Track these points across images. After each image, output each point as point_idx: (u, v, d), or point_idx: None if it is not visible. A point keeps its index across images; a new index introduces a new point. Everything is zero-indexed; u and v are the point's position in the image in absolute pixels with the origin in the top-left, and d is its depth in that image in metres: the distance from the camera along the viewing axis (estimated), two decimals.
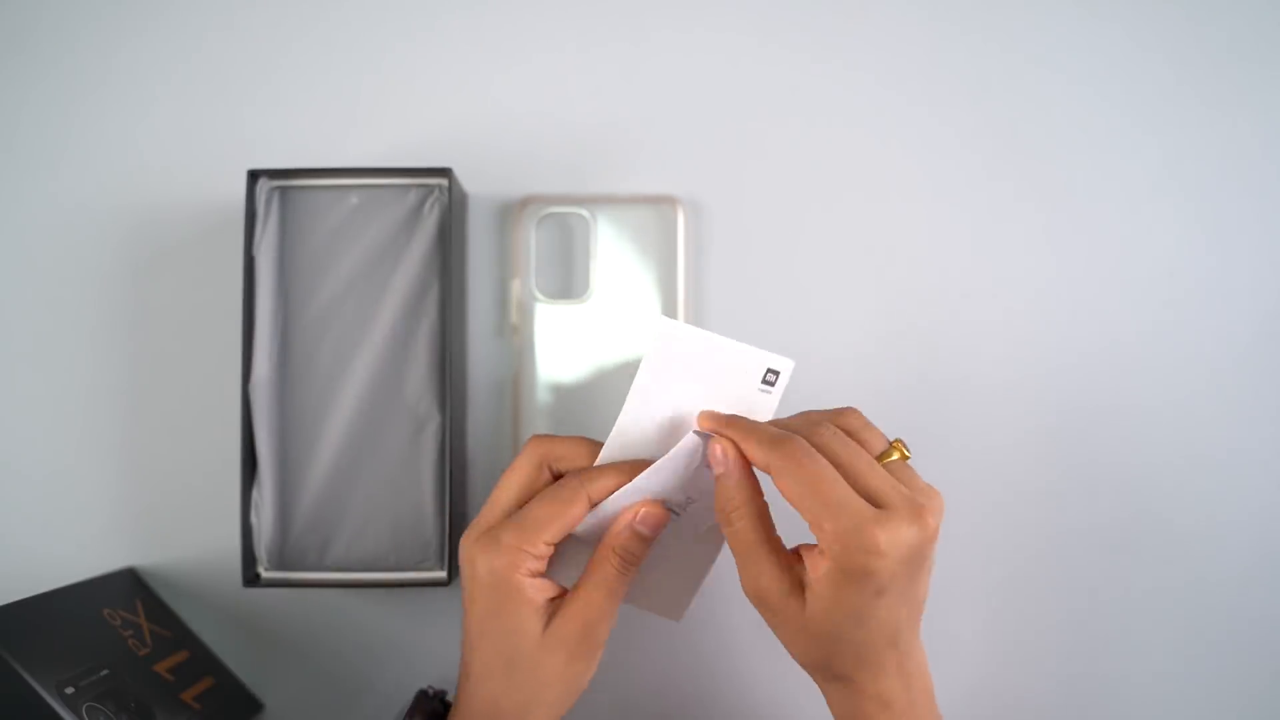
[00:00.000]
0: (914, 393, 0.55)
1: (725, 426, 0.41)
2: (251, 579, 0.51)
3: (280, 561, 0.52)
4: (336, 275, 0.52)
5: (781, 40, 0.57)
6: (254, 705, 0.55)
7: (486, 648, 0.42)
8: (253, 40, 0.56)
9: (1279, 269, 0.56)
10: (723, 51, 0.57)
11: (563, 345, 0.55)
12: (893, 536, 0.37)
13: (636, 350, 0.55)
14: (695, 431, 0.42)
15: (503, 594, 0.41)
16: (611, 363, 0.55)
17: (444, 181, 0.52)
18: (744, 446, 0.40)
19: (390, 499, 0.52)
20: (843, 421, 0.41)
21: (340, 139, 0.56)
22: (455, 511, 0.51)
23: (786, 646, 0.41)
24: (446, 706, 0.47)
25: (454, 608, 0.55)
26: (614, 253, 0.55)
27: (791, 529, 0.41)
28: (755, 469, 0.41)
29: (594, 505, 0.42)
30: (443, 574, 0.51)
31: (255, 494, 0.51)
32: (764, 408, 0.43)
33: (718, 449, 0.41)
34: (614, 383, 0.54)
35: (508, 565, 0.41)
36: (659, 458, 0.42)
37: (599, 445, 0.43)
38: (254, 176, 0.51)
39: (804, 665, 0.42)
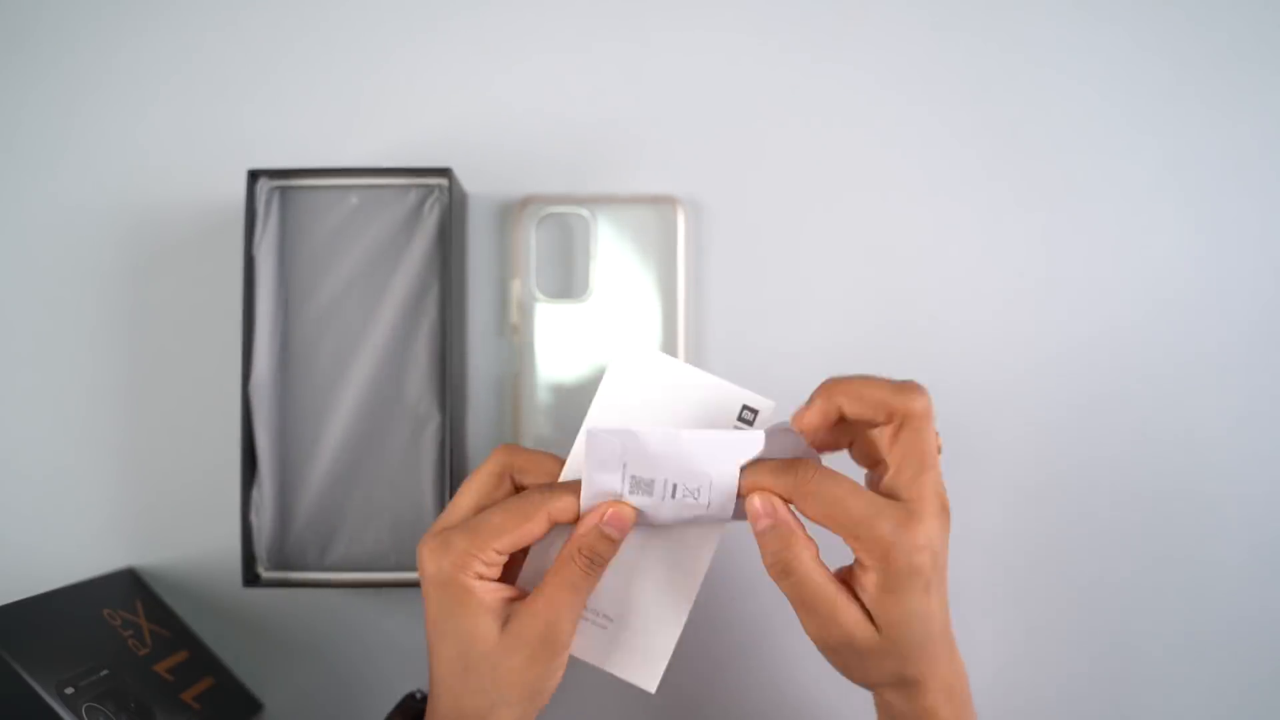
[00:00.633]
0: None
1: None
2: (251, 579, 0.51)
3: (280, 561, 0.52)
4: (336, 275, 0.52)
5: (781, 40, 0.57)
6: (254, 705, 0.55)
7: (444, 649, 0.41)
8: (253, 40, 0.56)
9: (1279, 269, 0.56)
10: (723, 51, 0.57)
11: (563, 345, 0.55)
12: (926, 529, 0.38)
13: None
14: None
15: (453, 595, 0.40)
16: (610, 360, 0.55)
17: (444, 181, 0.52)
18: (758, 481, 0.40)
19: (390, 499, 0.52)
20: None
21: (340, 139, 0.56)
22: None
23: (862, 675, 0.41)
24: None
25: None
26: (614, 253, 0.55)
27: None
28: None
29: (554, 524, 0.41)
30: None
31: (255, 494, 0.51)
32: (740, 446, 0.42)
33: (758, 502, 0.40)
34: None
35: (455, 566, 0.40)
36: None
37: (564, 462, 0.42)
38: (254, 176, 0.51)
39: (875, 684, 0.41)
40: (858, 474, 0.41)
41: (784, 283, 0.56)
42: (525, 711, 0.41)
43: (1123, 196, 0.56)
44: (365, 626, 0.55)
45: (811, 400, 0.41)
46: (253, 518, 0.51)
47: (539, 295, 0.55)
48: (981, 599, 0.56)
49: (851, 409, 0.40)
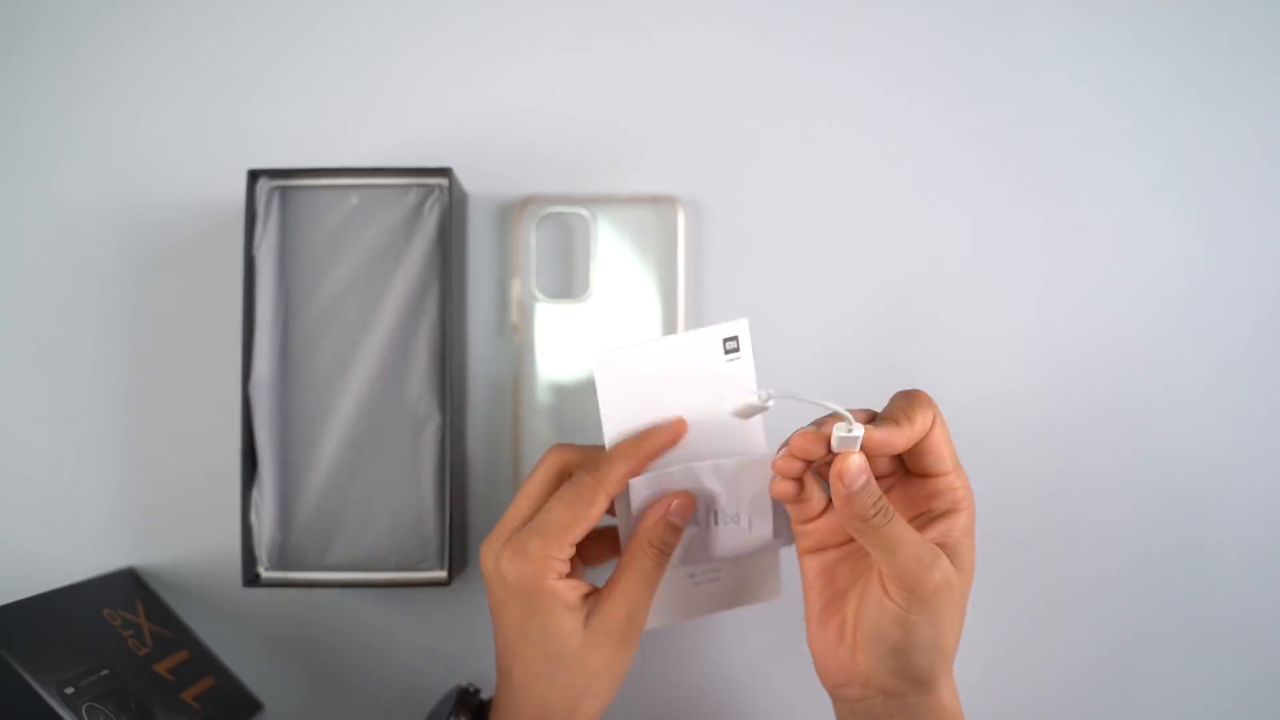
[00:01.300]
0: None
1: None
2: (251, 579, 0.51)
3: (280, 561, 0.52)
4: (336, 275, 0.52)
5: (781, 40, 0.57)
6: (254, 705, 0.55)
7: (529, 652, 0.42)
8: (253, 40, 0.56)
9: (1279, 269, 0.56)
10: (723, 51, 0.57)
11: (563, 345, 0.55)
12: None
13: None
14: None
15: (537, 600, 0.42)
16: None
17: (444, 181, 0.52)
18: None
19: (390, 499, 0.52)
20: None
21: (340, 139, 0.56)
22: (455, 511, 0.51)
23: (935, 648, 0.40)
24: (484, 704, 0.47)
25: (454, 608, 0.55)
26: (614, 253, 0.55)
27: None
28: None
29: (612, 500, 0.43)
30: (443, 574, 0.51)
31: (255, 494, 0.51)
32: (741, 376, 0.43)
33: (860, 464, 0.39)
34: None
35: (538, 572, 0.41)
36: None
37: None
38: (254, 176, 0.51)
39: (913, 668, 0.40)
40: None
41: (784, 282, 0.56)
42: (606, 700, 0.43)
43: (1123, 196, 0.56)
44: (365, 626, 0.55)
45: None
46: (253, 518, 0.51)
47: (539, 295, 0.55)
48: (981, 598, 0.56)
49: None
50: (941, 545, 0.40)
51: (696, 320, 0.55)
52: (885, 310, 0.56)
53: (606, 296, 0.55)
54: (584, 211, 0.55)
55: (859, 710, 0.42)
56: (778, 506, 0.45)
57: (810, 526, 0.43)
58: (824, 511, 0.43)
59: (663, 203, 0.55)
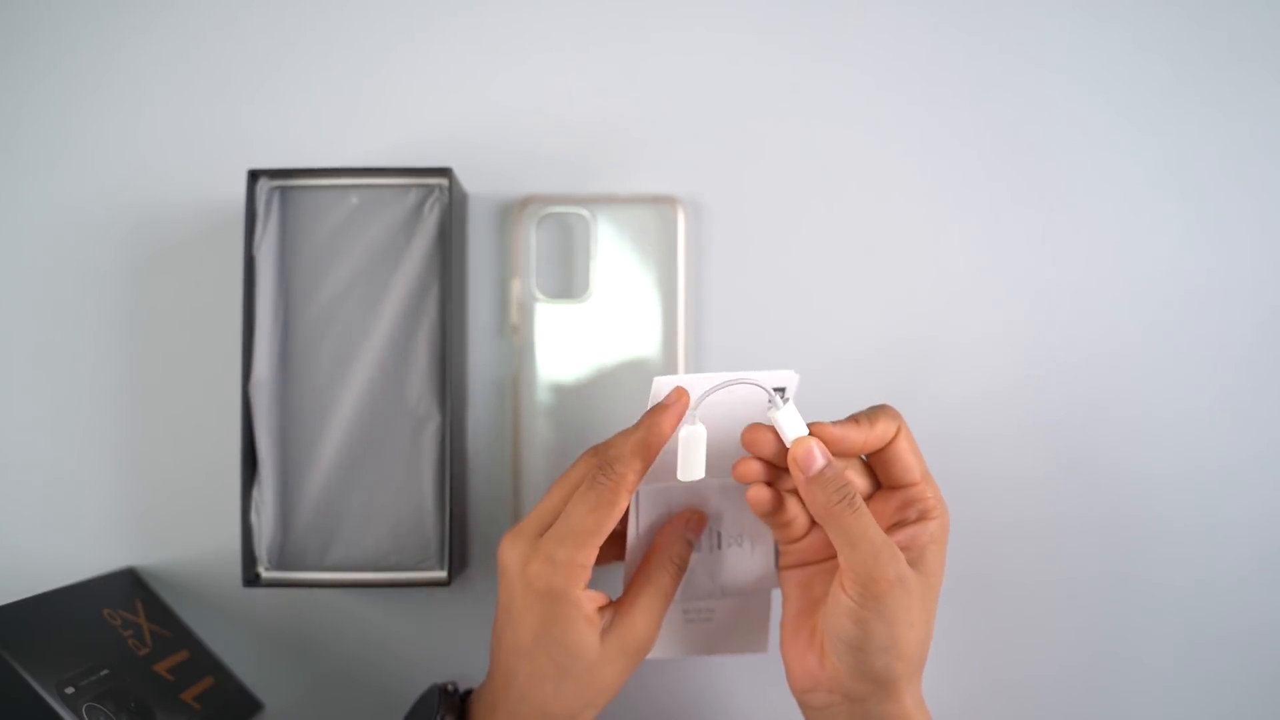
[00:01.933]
0: (914, 392, 0.55)
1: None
2: (251, 579, 0.51)
3: (280, 561, 0.52)
4: (336, 275, 0.52)
5: (781, 40, 0.57)
6: (254, 705, 0.55)
7: (540, 658, 0.42)
8: (253, 40, 0.56)
9: (1279, 269, 0.56)
10: (723, 51, 0.57)
11: (563, 345, 0.55)
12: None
13: (637, 351, 0.55)
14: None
15: (560, 609, 0.41)
16: (612, 363, 0.55)
17: (444, 181, 0.52)
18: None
19: (390, 499, 0.52)
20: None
21: (340, 139, 0.56)
22: (455, 511, 0.51)
23: (891, 646, 0.40)
24: (463, 699, 0.47)
25: (454, 608, 0.55)
26: (614, 253, 0.55)
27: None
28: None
29: (635, 494, 0.43)
30: (443, 574, 0.51)
31: (255, 494, 0.51)
32: (779, 420, 0.43)
33: (810, 447, 0.40)
34: (614, 383, 0.54)
35: (568, 581, 0.41)
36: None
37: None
38: (254, 176, 0.51)
39: (872, 669, 0.41)
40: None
41: (784, 282, 0.56)
42: (600, 709, 0.44)
43: (1123, 196, 0.56)
44: (365, 626, 0.55)
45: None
46: (253, 518, 0.51)
47: (539, 295, 0.55)
48: (980, 598, 0.56)
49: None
50: (907, 549, 0.41)
51: (696, 320, 0.55)
52: (885, 310, 0.56)
53: (606, 297, 0.55)
54: (584, 211, 0.55)
55: (825, 717, 0.43)
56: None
57: (795, 546, 0.44)
58: (807, 533, 0.43)
59: (663, 203, 0.55)
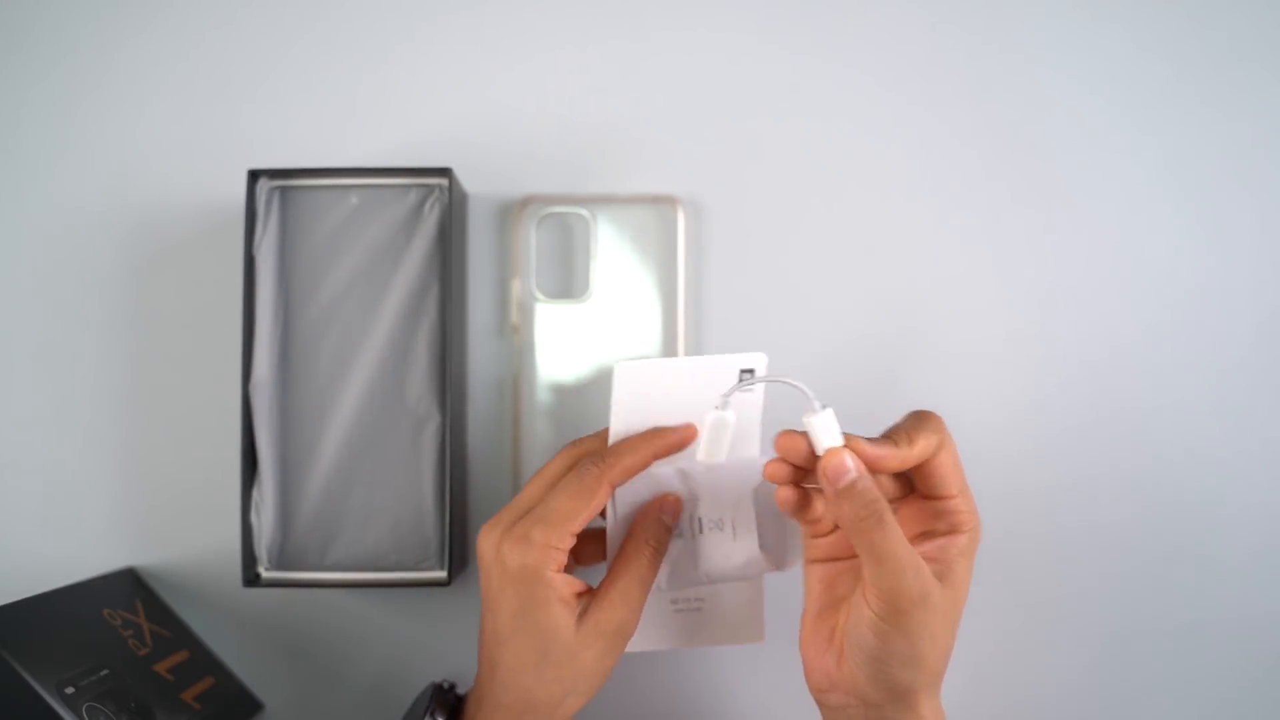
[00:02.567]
0: (914, 393, 0.55)
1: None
2: (251, 579, 0.51)
3: (280, 561, 0.52)
4: (336, 275, 0.52)
5: (781, 40, 0.57)
6: (254, 705, 0.55)
7: (519, 643, 0.42)
8: (253, 40, 0.56)
9: (1279, 269, 0.56)
10: (723, 51, 0.57)
11: (563, 345, 0.55)
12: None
13: (637, 351, 0.55)
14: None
15: (535, 590, 0.41)
16: (612, 363, 0.55)
17: (444, 181, 0.52)
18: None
19: (390, 499, 0.52)
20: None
21: (340, 139, 0.56)
22: (455, 511, 0.51)
23: (912, 660, 0.40)
24: (459, 699, 0.47)
25: (454, 607, 0.55)
26: (614, 253, 0.55)
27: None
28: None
29: (614, 490, 0.43)
30: (443, 574, 0.51)
31: (255, 494, 0.51)
32: (750, 405, 0.44)
33: (843, 459, 0.39)
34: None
35: (540, 561, 0.41)
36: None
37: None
38: (254, 176, 0.51)
39: (894, 679, 0.40)
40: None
41: (784, 282, 0.56)
42: (589, 697, 0.43)
43: (1123, 196, 0.56)
44: (365, 626, 0.55)
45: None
46: (253, 518, 0.51)
47: (539, 295, 0.55)
48: (981, 598, 0.56)
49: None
50: (934, 562, 0.41)
51: (696, 320, 0.55)
52: (885, 310, 0.56)
53: (606, 297, 0.55)
54: (584, 211, 0.55)
55: (841, 718, 0.42)
56: (764, 521, 0.45)
57: (820, 540, 0.43)
58: (833, 530, 0.43)
59: (663, 203, 0.55)
